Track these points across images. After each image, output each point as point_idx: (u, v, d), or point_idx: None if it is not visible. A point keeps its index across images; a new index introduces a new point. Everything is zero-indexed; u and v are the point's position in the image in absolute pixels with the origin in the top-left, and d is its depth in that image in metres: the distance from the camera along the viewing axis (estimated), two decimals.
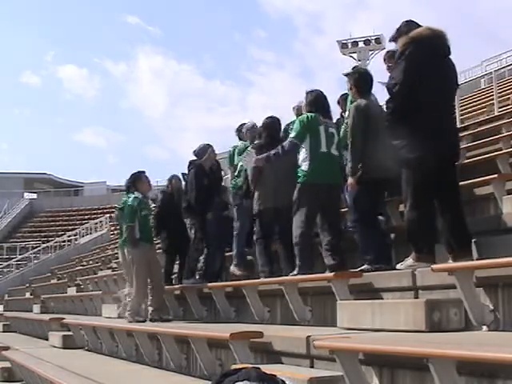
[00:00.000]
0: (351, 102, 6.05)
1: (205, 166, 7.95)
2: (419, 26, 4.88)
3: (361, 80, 5.85)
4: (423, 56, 4.65)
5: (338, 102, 7.40)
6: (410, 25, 4.90)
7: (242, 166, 7.46)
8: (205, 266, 7.68)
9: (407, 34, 4.76)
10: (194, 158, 8.07)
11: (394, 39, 5.00)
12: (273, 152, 6.21)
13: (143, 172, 8.33)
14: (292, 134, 6.08)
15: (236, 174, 7.73)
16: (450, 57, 4.82)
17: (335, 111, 7.15)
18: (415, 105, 4.61)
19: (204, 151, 8.00)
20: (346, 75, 6.00)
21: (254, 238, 6.92)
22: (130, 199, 8.01)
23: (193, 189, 7.72)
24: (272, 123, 7.00)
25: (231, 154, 8.53)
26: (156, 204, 9.39)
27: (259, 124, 7.32)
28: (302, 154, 5.97)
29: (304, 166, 5.93)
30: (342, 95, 7.15)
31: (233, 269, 7.49)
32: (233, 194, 7.86)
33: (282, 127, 7.43)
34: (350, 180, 5.59)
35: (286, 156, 6.15)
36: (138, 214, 7.91)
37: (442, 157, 4.60)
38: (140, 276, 7.78)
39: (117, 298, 9.43)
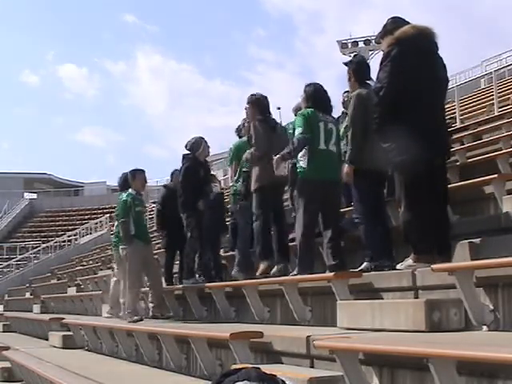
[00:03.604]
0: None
1: (200, 158, 7.94)
2: (406, 22, 4.79)
3: (359, 69, 5.80)
4: (409, 56, 4.58)
5: (343, 102, 7.40)
6: (396, 22, 4.81)
7: (242, 170, 7.42)
8: (201, 264, 7.66)
9: (393, 32, 4.69)
10: (187, 152, 8.00)
11: (380, 37, 4.96)
12: (286, 151, 6.10)
13: (142, 170, 8.34)
14: (299, 130, 5.93)
15: (236, 177, 7.70)
16: (439, 53, 4.76)
17: (337, 111, 7.17)
18: (402, 107, 4.57)
19: (198, 144, 7.95)
20: (346, 64, 5.94)
21: (254, 218, 6.84)
22: (124, 195, 8.05)
23: (189, 182, 7.70)
24: (260, 100, 6.98)
25: (232, 153, 8.49)
26: (157, 200, 9.37)
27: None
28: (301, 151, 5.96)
29: (302, 163, 5.92)
30: (345, 92, 7.15)
31: (236, 274, 7.42)
32: (233, 198, 7.83)
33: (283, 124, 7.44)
34: (346, 168, 5.52)
35: (297, 151, 6.07)
36: (132, 210, 7.91)
37: (431, 159, 4.58)
38: (133, 273, 7.76)
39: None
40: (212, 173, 8.82)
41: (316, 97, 6.10)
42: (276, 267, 6.51)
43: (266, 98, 7.07)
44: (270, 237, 6.80)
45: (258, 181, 6.68)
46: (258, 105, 6.95)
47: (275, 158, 6.20)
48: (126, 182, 8.46)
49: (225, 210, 8.13)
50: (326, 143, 5.97)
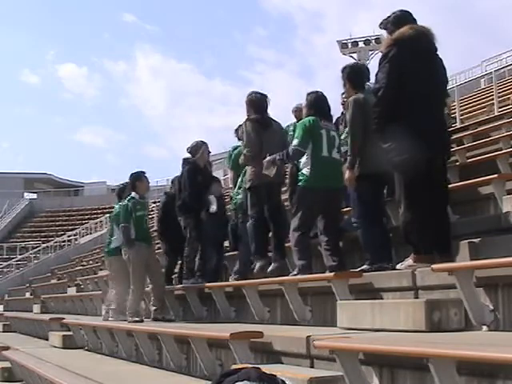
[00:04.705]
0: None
1: (199, 163, 7.93)
2: (412, 18, 4.80)
3: (352, 74, 5.80)
4: (406, 57, 4.59)
5: (342, 103, 7.39)
6: (399, 20, 4.80)
7: (242, 182, 7.41)
8: (201, 265, 7.67)
9: (394, 30, 4.71)
10: (188, 155, 8.02)
11: (383, 27, 4.95)
12: (278, 157, 6.15)
13: (143, 172, 8.33)
14: (295, 142, 5.96)
15: (236, 190, 7.71)
16: (438, 53, 4.77)
17: (336, 111, 7.15)
18: (401, 107, 4.57)
19: (198, 149, 7.94)
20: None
21: (249, 217, 6.83)
22: (126, 199, 8.04)
23: (187, 186, 7.70)
24: (255, 99, 6.96)
25: (231, 155, 8.48)
26: (158, 207, 9.38)
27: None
28: (304, 159, 5.94)
29: (305, 171, 5.91)
30: (343, 93, 7.15)
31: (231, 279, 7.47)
32: (234, 213, 7.82)
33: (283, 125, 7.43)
34: (347, 174, 5.54)
35: (290, 162, 6.20)
36: (133, 214, 7.90)
37: (430, 159, 4.58)
38: (137, 275, 7.78)
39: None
40: (215, 176, 8.77)
41: (317, 105, 6.12)
42: (272, 265, 6.50)
43: (262, 95, 7.01)
44: (265, 235, 6.79)
45: (252, 180, 6.67)
46: (253, 104, 6.90)
47: (265, 159, 6.22)
48: (123, 191, 8.48)
49: (226, 216, 8.12)
50: (328, 151, 5.96)
